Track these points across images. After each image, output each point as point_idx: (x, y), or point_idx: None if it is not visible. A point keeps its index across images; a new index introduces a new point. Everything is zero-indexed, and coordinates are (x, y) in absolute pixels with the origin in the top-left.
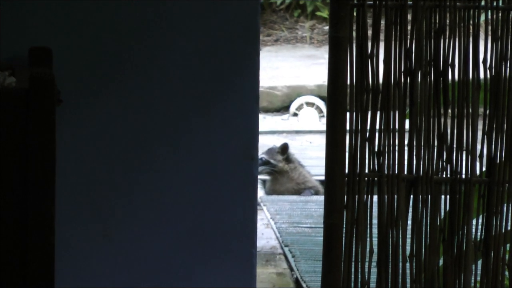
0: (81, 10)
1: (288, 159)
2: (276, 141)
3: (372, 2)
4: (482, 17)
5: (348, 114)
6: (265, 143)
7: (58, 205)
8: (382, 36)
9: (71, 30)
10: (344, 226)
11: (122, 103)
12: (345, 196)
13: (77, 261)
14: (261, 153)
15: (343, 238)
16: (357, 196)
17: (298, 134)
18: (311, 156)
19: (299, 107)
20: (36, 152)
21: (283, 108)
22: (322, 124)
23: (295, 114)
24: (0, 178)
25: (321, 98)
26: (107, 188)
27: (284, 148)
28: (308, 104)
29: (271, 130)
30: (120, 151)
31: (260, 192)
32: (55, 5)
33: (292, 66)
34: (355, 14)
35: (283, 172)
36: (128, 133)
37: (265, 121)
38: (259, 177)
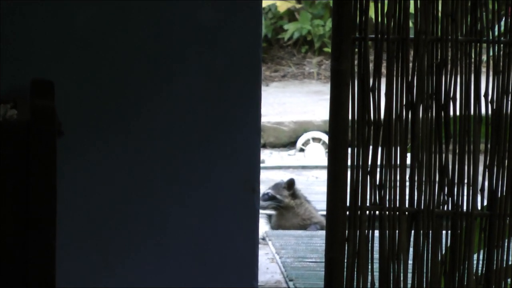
0: (82, 42)
1: (294, 194)
2: (283, 176)
3: (373, 36)
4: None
5: (350, 148)
6: (271, 178)
7: (59, 236)
8: (383, 70)
9: (73, 62)
10: (346, 259)
11: (123, 135)
12: (347, 230)
13: None
14: (267, 188)
15: (344, 272)
16: (358, 229)
17: (305, 170)
18: (317, 191)
19: (306, 143)
20: (37, 184)
21: (290, 144)
22: None
23: (302, 150)
24: (1, 210)
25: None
26: (108, 220)
27: (291, 183)
28: (314, 139)
29: (277, 165)
30: (121, 183)
31: (266, 227)
32: (56, 37)
33: (299, 101)
34: (357, 48)
35: (289, 207)
36: (128, 164)
37: (272, 157)
38: (265, 212)
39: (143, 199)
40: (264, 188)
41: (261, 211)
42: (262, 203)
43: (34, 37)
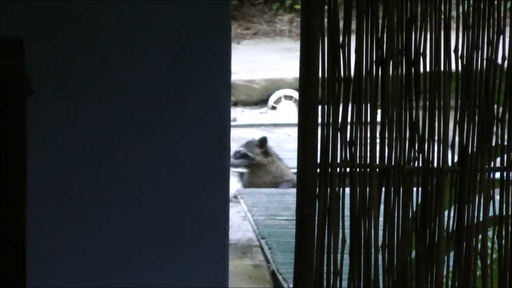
0: (54, 3)
1: (266, 152)
2: (254, 134)
3: None
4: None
5: (320, 105)
6: (243, 136)
7: (29, 194)
8: (354, 26)
9: (43, 22)
10: (317, 216)
11: (93, 93)
12: (317, 187)
13: (49, 254)
14: (239, 146)
15: (315, 228)
16: (329, 186)
17: (276, 127)
18: (289, 148)
19: (278, 100)
20: (6, 142)
21: (262, 102)
22: None
23: (274, 107)
24: None
25: None
26: (78, 179)
27: (263, 141)
28: (286, 97)
29: (249, 123)
30: (92, 143)
31: (237, 185)
32: None
33: (271, 59)
34: (326, 4)
35: (260, 165)
36: (99, 124)
37: (244, 115)
38: (237, 170)
39: (112, 157)
40: (235, 146)
41: (232, 169)
42: (233, 161)
43: None
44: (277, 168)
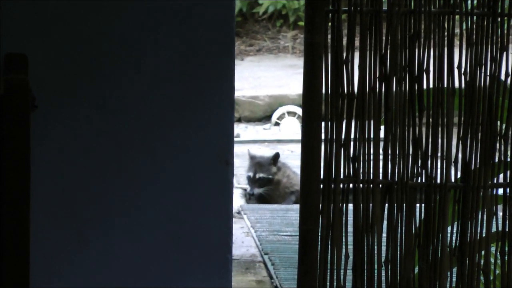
0: (57, 16)
1: (279, 167)
2: (258, 151)
3: (347, 8)
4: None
5: (323, 121)
6: (246, 152)
7: (33, 210)
8: (357, 42)
9: (47, 37)
10: (320, 231)
11: (97, 109)
12: (321, 202)
13: (52, 267)
14: (251, 169)
15: (319, 244)
16: (332, 202)
17: (280, 143)
18: (293, 165)
19: (281, 117)
20: (10, 158)
21: (265, 118)
22: None
23: (277, 124)
24: None
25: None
26: (83, 194)
27: (276, 158)
28: (289, 113)
29: (252, 140)
30: (96, 157)
31: (241, 201)
32: (31, 11)
33: (274, 75)
34: (330, 21)
35: (280, 182)
36: (103, 139)
37: (247, 131)
38: (260, 191)
39: (116, 173)
40: (239, 162)
41: (256, 192)
42: (257, 190)
43: (8, 12)
44: (288, 179)
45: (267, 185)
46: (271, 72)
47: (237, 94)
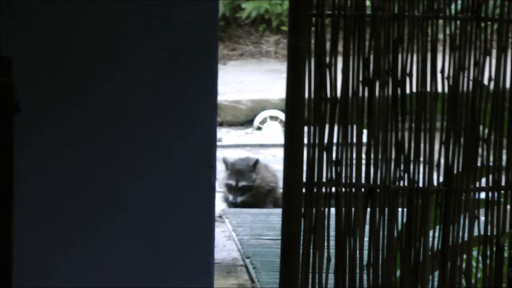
0: (41, 19)
1: (257, 172)
2: (240, 155)
3: (331, 12)
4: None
5: (306, 125)
6: (229, 156)
7: (16, 212)
8: (340, 47)
9: (32, 40)
10: (302, 235)
11: (81, 113)
12: (303, 206)
13: (34, 270)
14: (230, 176)
15: (301, 247)
16: (315, 205)
17: (262, 148)
18: (275, 169)
19: (263, 121)
20: None
21: (247, 122)
22: None
23: (259, 128)
24: None
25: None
26: (65, 196)
27: (255, 164)
28: (272, 118)
29: (235, 144)
30: (78, 160)
31: (223, 205)
32: (15, 15)
33: (257, 80)
34: (314, 25)
35: (259, 187)
36: (85, 142)
37: (229, 135)
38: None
39: (99, 176)
40: (221, 167)
41: (239, 200)
42: (241, 198)
43: None
44: (262, 179)
45: (248, 192)
46: (254, 77)
47: (220, 98)
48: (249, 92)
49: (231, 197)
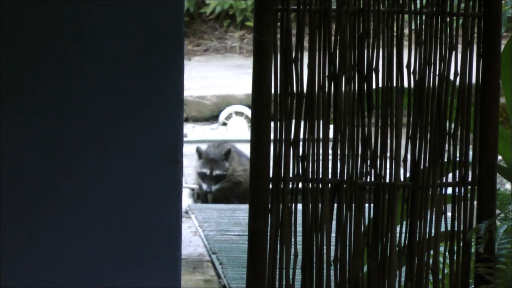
0: (10, 11)
1: (230, 162)
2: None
3: (296, 7)
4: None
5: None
6: (193, 152)
7: None
8: (306, 41)
9: (0, 31)
10: (269, 230)
11: (46, 108)
12: (270, 201)
13: (1, 266)
14: (202, 165)
15: (268, 243)
16: (281, 200)
17: (227, 143)
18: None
19: (228, 117)
20: None
21: (212, 118)
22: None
23: (224, 124)
24: None
25: (250, 107)
26: (31, 191)
27: (228, 153)
28: (237, 113)
29: (200, 139)
30: (45, 154)
31: (189, 201)
32: None
33: (222, 75)
34: (279, 20)
35: (230, 177)
36: (52, 136)
37: (195, 130)
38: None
39: (67, 170)
40: (186, 162)
41: (213, 189)
42: (215, 187)
43: None
44: (232, 171)
45: (221, 181)
46: (219, 72)
47: (185, 94)
48: (214, 88)
49: (205, 186)
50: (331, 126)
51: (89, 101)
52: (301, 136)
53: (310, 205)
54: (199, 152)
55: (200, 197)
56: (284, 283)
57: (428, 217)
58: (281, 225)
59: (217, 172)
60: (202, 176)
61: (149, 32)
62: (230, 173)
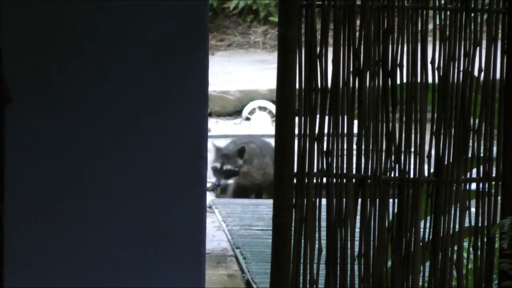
0: (32, 10)
1: (245, 160)
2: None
3: (320, 3)
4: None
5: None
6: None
7: (7, 204)
8: (331, 37)
9: (22, 31)
10: (293, 225)
11: (72, 102)
12: (294, 196)
13: (26, 261)
14: (216, 160)
15: (292, 237)
16: (305, 195)
17: (251, 138)
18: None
19: (252, 111)
20: None
21: (236, 113)
22: (274, 128)
23: (248, 119)
24: None
25: (274, 102)
26: (56, 187)
27: (242, 151)
28: (260, 108)
29: (223, 134)
30: (70, 151)
31: (211, 196)
32: (6, 6)
33: (245, 70)
34: (304, 15)
35: (247, 174)
36: (77, 132)
37: (218, 125)
38: (226, 182)
39: (92, 167)
40: (209, 157)
41: (223, 182)
42: (224, 181)
43: None
44: (248, 170)
45: (231, 176)
46: (242, 67)
47: (208, 89)
48: (237, 83)
49: (214, 179)
50: (356, 122)
51: (115, 97)
52: (326, 131)
53: (334, 200)
54: (214, 147)
55: (215, 189)
56: (308, 278)
57: (452, 212)
58: (305, 220)
59: (227, 167)
60: (213, 169)
61: (174, 28)
62: (246, 171)
